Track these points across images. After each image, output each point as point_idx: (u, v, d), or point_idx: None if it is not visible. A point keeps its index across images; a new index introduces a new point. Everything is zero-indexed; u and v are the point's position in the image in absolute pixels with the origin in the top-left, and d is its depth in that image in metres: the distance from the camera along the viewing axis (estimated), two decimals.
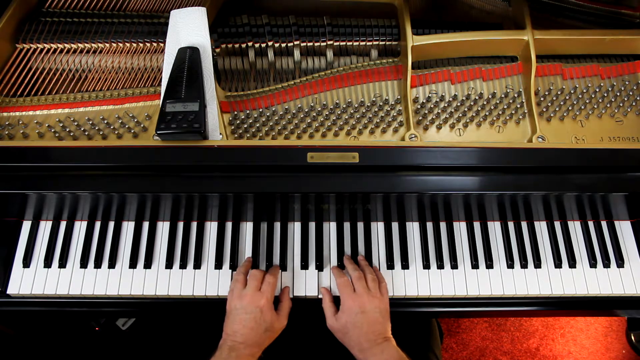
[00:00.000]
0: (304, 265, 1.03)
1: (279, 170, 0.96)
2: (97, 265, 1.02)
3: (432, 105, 1.08)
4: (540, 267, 1.04)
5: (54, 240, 1.04)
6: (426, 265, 1.04)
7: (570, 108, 1.09)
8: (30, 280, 1.01)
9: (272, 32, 1.10)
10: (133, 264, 1.02)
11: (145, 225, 1.06)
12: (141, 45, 1.09)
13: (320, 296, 1.01)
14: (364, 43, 1.12)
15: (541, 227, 1.09)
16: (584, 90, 1.11)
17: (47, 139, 1.01)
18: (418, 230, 1.07)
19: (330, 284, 1.02)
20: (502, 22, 1.20)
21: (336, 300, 0.98)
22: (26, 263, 1.02)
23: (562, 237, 1.08)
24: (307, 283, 1.02)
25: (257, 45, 1.10)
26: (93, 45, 1.08)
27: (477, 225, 1.08)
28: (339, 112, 1.06)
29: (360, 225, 1.07)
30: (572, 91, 1.11)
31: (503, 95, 1.09)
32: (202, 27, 1.03)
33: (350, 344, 0.91)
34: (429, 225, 1.07)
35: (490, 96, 1.09)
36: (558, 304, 1.05)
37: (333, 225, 1.07)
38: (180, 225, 1.06)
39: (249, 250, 1.05)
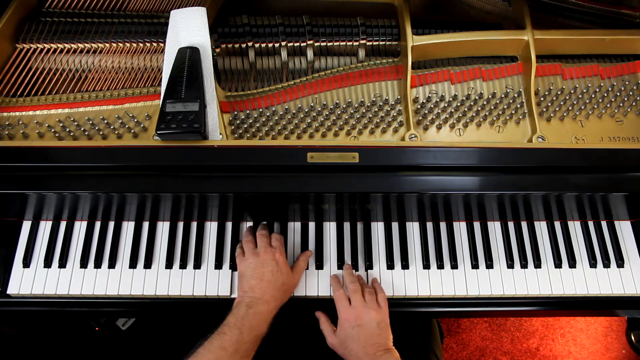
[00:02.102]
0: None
1: (279, 170, 0.96)
2: (97, 265, 1.02)
3: (432, 105, 1.08)
4: (540, 267, 1.04)
5: (54, 240, 1.04)
6: (426, 265, 1.04)
7: (570, 108, 1.09)
8: (30, 280, 1.01)
9: (272, 32, 1.10)
10: (133, 264, 1.02)
11: (145, 225, 1.06)
12: (141, 45, 1.09)
13: (320, 295, 1.01)
14: (364, 43, 1.12)
15: (541, 227, 1.09)
16: (584, 90, 1.11)
17: (47, 139, 1.01)
18: (418, 230, 1.07)
19: (331, 289, 1.02)
20: (502, 22, 1.20)
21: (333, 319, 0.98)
22: (26, 263, 1.02)
23: (562, 237, 1.08)
24: (307, 283, 1.02)
25: (257, 45, 1.10)
26: (93, 45, 1.08)
27: (477, 225, 1.08)
28: (339, 112, 1.06)
29: (360, 225, 1.07)
30: (572, 91, 1.10)
31: (503, 95, 1.09)
32: (202, 27, 1.03)
33: (351, 359, 0.91)
34: (429, 225, 1.07)
35: (490, 96, 1.09)
36: (558, 304, 1.05)
37: (333, 225, 1.07)
38: (180, 225, 1.06)
39: None
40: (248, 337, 0.86)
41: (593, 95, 1.10)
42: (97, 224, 1.06)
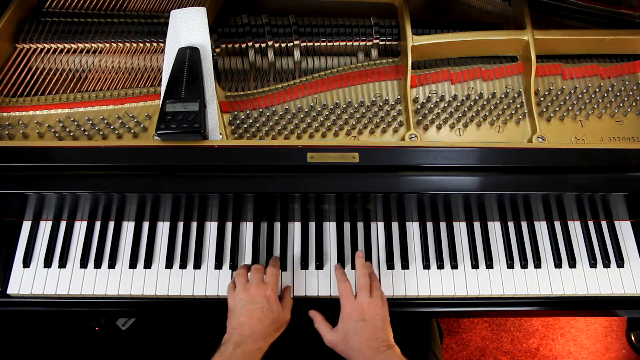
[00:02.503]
0: (304, 265, 1.03)
1: (279, 170, 0.96)
2: (97, 265, 1.02)
3: (432, 105, 1.08)
4: (540, 267, 1.04)
5: (54, 240, 1.04)
6: (426, 265, 1.04)
7: (570, 108, 1.09)
8: (30, 280, 1.01)
9: (272, 32, 1.10)
10: (133, 264, 1.02)
11: (145, 225, 1.06)
12: (141, 45, 1.09)
13: (320, 295, 1.01)
14: (364, 43, 1.12)
15: (541, 227, 1.09)
16: (584, 90, 1.11)
17: (47, 139, 1.01)
18: (418, 230, 1.07)
19: (331, 284, 1.02)
20: (502, 22, 1.20)
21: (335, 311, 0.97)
22: (26, 263, 1.02)
23: (562, 237, 1.08)
24: (307, 283, 1.02)
25: (257, 45, 1.10)
26: (93, 45, 1.08)
27: (477, 225, 1.08)
28: (339, 112, 1.06)
29: (360, 225, 1.07)
30: (572, 91, 1.11)
31: (503, 95, 1.09)
32: (202, 27, 1.03)
33: (353, 354, 0.89)
34: (429, 225, 1.07)
35: (490, 96, 1.09)
36: (558, 304, 1.05)
37: (333, 225, 1.07)
38: (180, 225, 1.06)
39: (249, 250, 1.05)
40: None
41: (593, 95, 1.10)
42: (97, 224, 1.06)
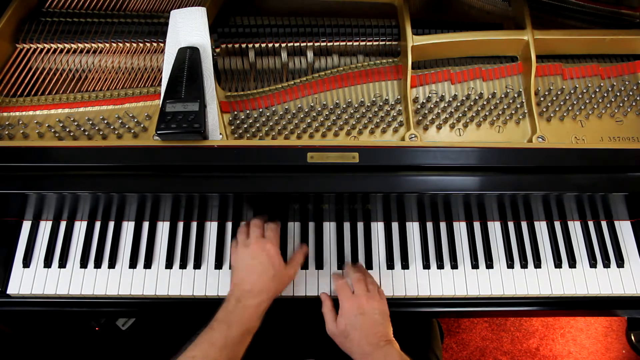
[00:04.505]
0: (304, 265, 1.03)
1: (279, 170, 0.96)
2: (97, 265, 1.02)
3: (432, 105, 1.08)
4: (540, 267, 1.04)
5: (54, 240, 1.04)
6: (426, 266, 1.04)
7: (570, 108, 1.09)
8: (30, 280, 1.01)
9: (273, 32, 1.10)
10: (133, 264, 1.02)
11: (145, 225, 1.06)
12: (141, 45, 1.09)
13: (320, 294, 1.01)
14: (364, 43, 1.12)
15: (541, 227, 1.09)
16: (584, 90, 1.11)
17: (47, 139, 1.00)
18: (418, 230, 1.07)
19: (331, 288, 1.02)
20: (502, 22, 1.20)
21: (337, 306, 0.97)
22: (26, 263, 1.02)
23: (562, 237, 1.08)
24: (307, 283, 1.02)
25: (257, 45, 1.10)
26: (93, 45, 1.08)
27: (477, 225, 1.08)
28: (339, 112, 1.06)
29: (360, 225, 1.07)
30: (572, 91, 1.11)
31: (503, 95, 1.09)
32: (202, 27, 1.03)
33: (352, 349, 0.89)
34: (429, 225, 1.07)
35: (490, 96, 1.09)
36: (558, 304, 1.05)
37: (333, 225, 1.07)
38: (180, 225, 1.06)
39: None
40: (236, 332, 0.85)
41: (593, 95, 1.10)
42: (97, 224, 1.06)
